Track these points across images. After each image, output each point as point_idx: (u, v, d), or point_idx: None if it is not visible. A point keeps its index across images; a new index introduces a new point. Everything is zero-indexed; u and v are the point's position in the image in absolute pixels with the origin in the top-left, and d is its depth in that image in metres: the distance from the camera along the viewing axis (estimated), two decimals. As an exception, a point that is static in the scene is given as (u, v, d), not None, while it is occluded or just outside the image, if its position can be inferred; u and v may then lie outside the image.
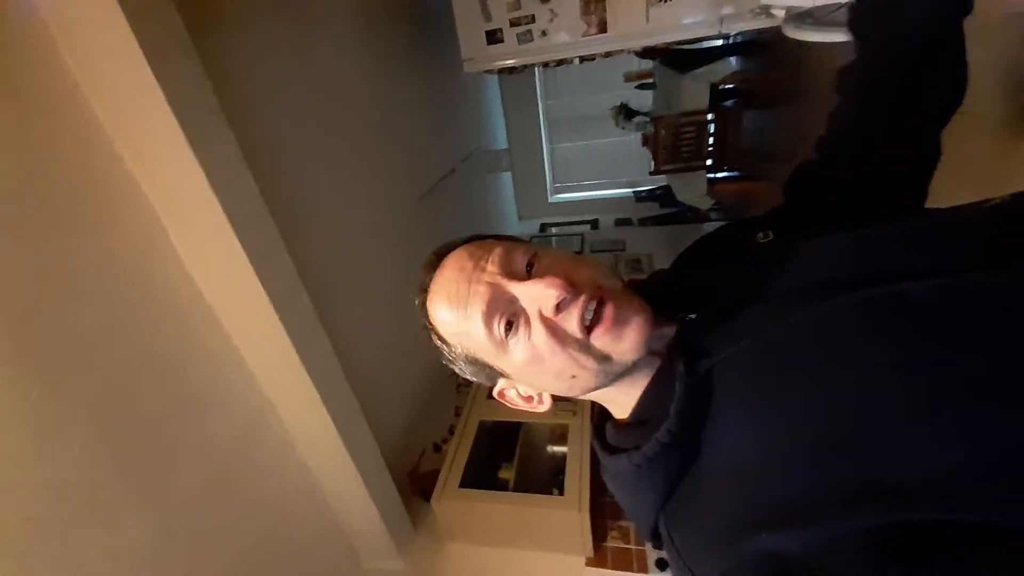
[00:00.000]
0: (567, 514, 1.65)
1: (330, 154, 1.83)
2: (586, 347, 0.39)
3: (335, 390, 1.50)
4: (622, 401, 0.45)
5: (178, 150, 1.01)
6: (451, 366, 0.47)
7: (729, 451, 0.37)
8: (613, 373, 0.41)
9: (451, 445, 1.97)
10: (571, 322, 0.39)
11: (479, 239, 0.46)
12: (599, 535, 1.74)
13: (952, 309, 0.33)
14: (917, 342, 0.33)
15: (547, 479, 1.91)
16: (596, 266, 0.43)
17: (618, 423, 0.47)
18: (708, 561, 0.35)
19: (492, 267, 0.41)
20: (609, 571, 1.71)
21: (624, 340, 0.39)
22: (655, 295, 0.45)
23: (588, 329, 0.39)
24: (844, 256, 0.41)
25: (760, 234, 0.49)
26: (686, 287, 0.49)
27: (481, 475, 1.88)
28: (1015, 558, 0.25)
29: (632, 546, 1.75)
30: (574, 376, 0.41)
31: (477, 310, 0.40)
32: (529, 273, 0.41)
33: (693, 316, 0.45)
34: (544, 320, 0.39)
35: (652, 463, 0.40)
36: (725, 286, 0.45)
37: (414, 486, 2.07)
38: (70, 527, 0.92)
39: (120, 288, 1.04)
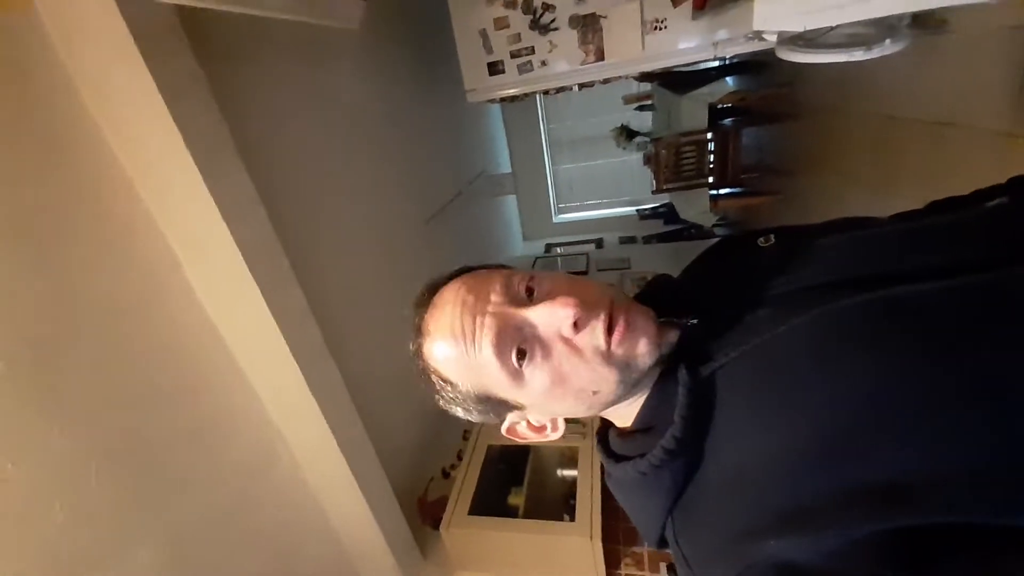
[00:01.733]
0: (578, 541, 1.61)
1: (339, 183, 1.88)
2: (608, 358, 0.39)
3: (343, 418, 1.50)
4: (626, 412, 0.45)
5: (192, 186, 1.05)
6: (453, 409, 0.46)
7: (734, 456, 0.36)
8: (632, 381, 0.41)
9: (459, 471, 1.95)
10: (596, 336, 0.38)
11: (469, 271, 0.46)
12: (612, 562, 1.69)
13: (953, 310, 0.33)
14: (919, 344, 0.33)
15: (558, 504, 1.88)
16: (600, 283, 0.43)
17: (622, 431, 0.46)
18: (716, 568, 0.35)
19: (496, 297, 0.40)
20: (624, 601, 1.65)
21: (639, 344, 0.39)
22: (657, 300, 0.46)
23: (608, 341, 0.39)
24: (845, 259, 0.41)
25: (761, 239, 0.49)
26: (688, 292, 0.50)
27: (490, 501, 1.85)
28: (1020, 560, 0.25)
29: (647, 573, 1.70)
30: (596, 392, 0.40)
31: (488, 343, 0.39)
32: (530, 298, 0.41)
33: (695, 321, 0.45)
34: (564, 340, 0.39)
35: (658, 470, 0.39)
36: (727, 290, 0.46)
37: (423, 513, 2.04)
38: (81, 562, 0.92)
39: (134, 321, 1.07)
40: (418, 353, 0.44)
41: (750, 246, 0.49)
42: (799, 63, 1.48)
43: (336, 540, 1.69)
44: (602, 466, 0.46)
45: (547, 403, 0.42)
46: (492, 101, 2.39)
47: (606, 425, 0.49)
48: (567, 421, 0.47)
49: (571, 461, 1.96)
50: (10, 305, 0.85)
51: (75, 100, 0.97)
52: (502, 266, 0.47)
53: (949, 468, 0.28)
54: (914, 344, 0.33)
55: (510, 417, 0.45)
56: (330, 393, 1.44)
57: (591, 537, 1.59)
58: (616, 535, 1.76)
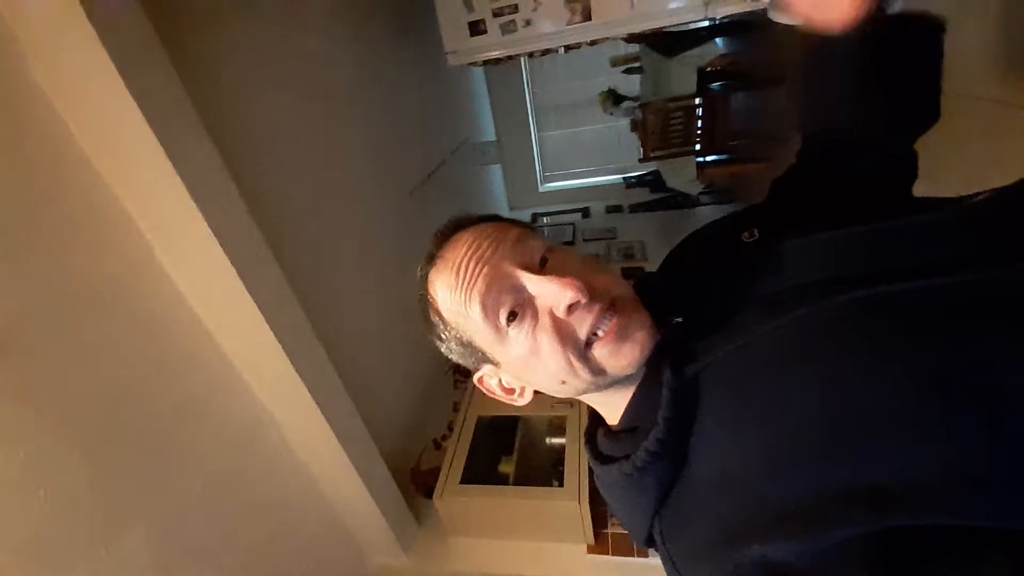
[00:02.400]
0: (567, 505, 1.68)
1: (316, 155, 1.80)
2: (585, 357, 0.39)
3: (330, 393, 1.50)
4: (611, 404, 0.45)
5: (157, 164, 0.99)
6: (437, 343, 0.46)
7: (719, 457, 0.36)
8: (605, 385, 0.41)
9: (451, 442, 1.99)
10: (582, 327, 0.38)
11: (498, 220, 0.45)
12: (599, 522, 1.77)
13: (940, 309, 0.33)
14: (905, 344, 0.32)
15: (547, 471, 1.94)
16: (611, 274, 0.42)
17: (608, 430, 0.47)
18: (702, 569, 0.35)
19: (506, 251, 0.40)
20: (610, 557, 1.74)
21: (623, 356, 0.39)
22: (641, 299, 0.44)
23: (589, 341, 0.39)
24: (830, 258, 0.40)
25: (745, 233, 0.48)
26: (672, 290, 0.49)
27: (481, 470, 1.90)
28: (1009, 563, 0.25)
29: (632, 532, 1.79)
30: (564, 382, 0.41)
31: (479, 292, 0.39)
32: (542, 268, 0.41)
33: (679, 320, 0.44)
34: (553, 318, 0.39)
35: (642, 472, 0.39)
36: (711, 288, 0.45)
37: (416, 483, 2.09)
38: (70, 548, 0.92)
39: (109, 305, 1.03)
40: (423, 280, 0.45)
41: (733, 240, 0.48)
42: (792, 26, 1.44)
43: (331, 512, 1.73)
44: (590, 466, 0.47)
45: (521, 370, 0.43)
46: (474, 64, 2.28)
47: (595, 423, 0.49)
48: (544, 396, 0.47)
49: (559, 430, 2.01)
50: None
51: (29, 79, 0.90)
52: (531, 227, 0.46)
53: (936, 469, 0.28)
54: (900, 344, 0.32)
55: (484, 368, 0.46)
56: (314, 367, 1.43)
57: (579, 501, 1.66)
58: (602, 498, 1.83)
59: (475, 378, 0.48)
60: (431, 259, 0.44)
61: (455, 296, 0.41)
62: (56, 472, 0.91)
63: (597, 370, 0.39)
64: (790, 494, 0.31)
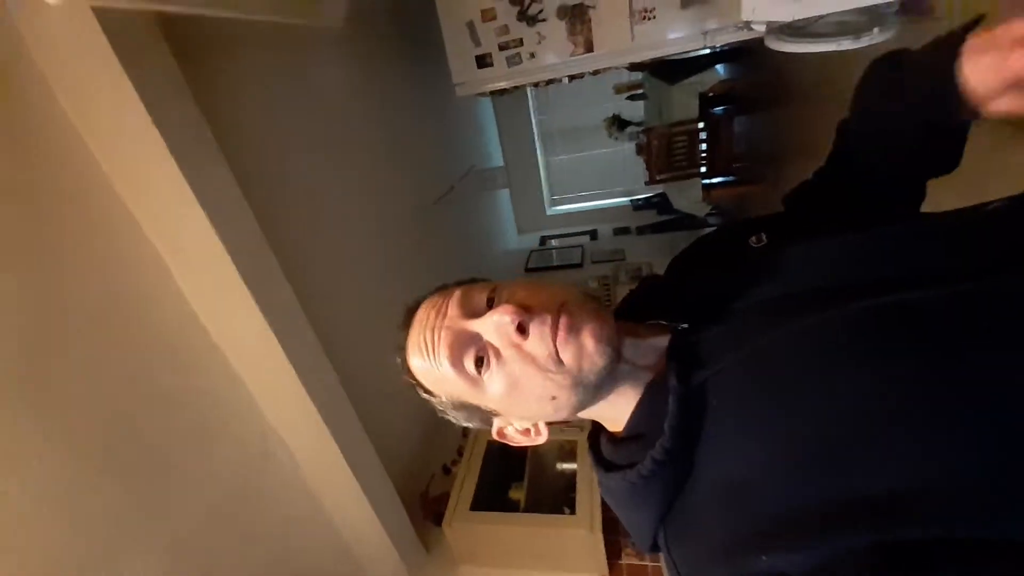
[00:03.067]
0: (579, 533, 1.63)
1: (328, 181, 1.86)
2: (558, 363, 0.39)
3: (340, 417, 1.51)
4: (615, 416, 0.45)
5: (176, 189, 1.04)
6: (445, 415, 0.48)
7: (725, 466, 0.36)
8: (590, 385, 0.40)
9: (460, 467, 1.97)
10: (541, 343, 0.39)
11: (443, 289, 0.47)
12: (613, 553, 1.72)
13: (949, 318, 0.33)
14: (914, 353, 0.32)
15: (558, 497, 1.89)
16: (556, 286, 0.43)
17: (612, 437, 0.46)
18: None
19: (452, 311, 0.42)
20: (625, 589, 1.68)
21: (584, 347, 0.39)
22: (647, 303, 0.45)
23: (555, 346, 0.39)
24: (838, 264, 0.40)
25: (753, 237, 0.48)
26: (679, 295, 0.49)
27: (491, 496, 1.87)
28: (1010, 572, 0.25)
29: (648, 562, 1.73)
30: (554, 397, 0.41)
31: (444, 355, 0.41)
32: (490, 308, 0.42)
33: (685, 325, 0.44)
34: (515, 347, 0.40)
35: (648, 480, 0.39)
36: (718, 293, 0.45)
37: (426, 510, 2.05)
38: (80, 571, 0.92)
39: (122, 325, 1.06)
40: (403, 366, 0.47)
41: (741, 244, 0.48)
42: (789, 52, 1.48)
43: (339, 537, 1.70)
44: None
45: (512, 407, 0.44)
46: (482, 94, 2.36)
47: (597, 429, 0.49)
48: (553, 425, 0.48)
49: (570, 455, 1.98)
50: (-2, 318, 0.85)
51: (55, 106, 0.95)
52: (477, 280, 0.48)
53: (939, 480, 0.28)
54: (909, 353, 0.32)
55: (496, 422, 0.47)
56: (325, 392, 1.44)
57: (592, 529, 1.61)
58: (617, 526, 1.78)
59: (494, 433, 0.48)
60: (400, 348, 0.46)
61: (429, 369, 0.43)
62: (68, 495, 0.92)
63: (574, 370, 0.39)
64: (795, 503, 0.31)
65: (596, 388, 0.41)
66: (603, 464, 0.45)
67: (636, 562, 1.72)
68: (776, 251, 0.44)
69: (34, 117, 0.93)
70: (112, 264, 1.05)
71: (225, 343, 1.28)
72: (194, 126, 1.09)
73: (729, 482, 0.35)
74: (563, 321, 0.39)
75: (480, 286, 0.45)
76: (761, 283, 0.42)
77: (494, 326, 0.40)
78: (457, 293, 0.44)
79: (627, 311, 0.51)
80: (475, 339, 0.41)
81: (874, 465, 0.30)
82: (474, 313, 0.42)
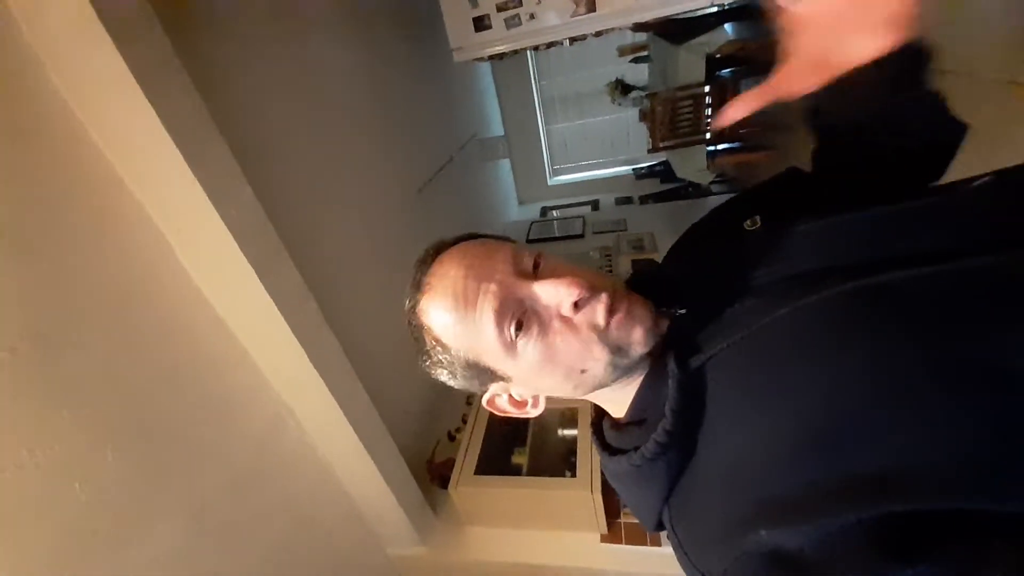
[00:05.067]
0: (580, 494, 1.70)
1: (327, 155, 1.83)
2: (604, 337, 0.40)
3: (347, 388, 1.54)
4: (618, 399, 0.46)
5: (175, 168, 1.03)
6: (437, 371, 0.45)
7: (726, 446, 0.37)
8: (622, 367, 0.41)
9: (464, 434, 2.03)
10: (597, 314, 0.39)
11: (477, 237, 0.46)
12: (612, 512, 1.79)
13: (941, 296, 0.33)
14: (906, 331, 0.33)
15: (559, 462, 1.96)
16: (599, 272, 0.44)
17: (615, 422, 0.47)
18: (711, 556, 0.35)
19: (504, 266, 0.41)
20: (623, 546, 1.76)
21: (635, 332, 0.40)
22: (645, 290, 0.45)
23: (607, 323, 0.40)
24: (830, 245, 0.40)
25: (748, 221, 0.48)
26: (675, 281, 0.49)
27: (495, 461, 1.93)
28: (1016, 546, 0.25)
29: (645, 521, 1.80)
30: (584, 371, 0.41)
31: (490, 309, 0.39)
32: (535, 273, 0.41)
33: (683, 311, 0.45)
34: (561, 319, 0.40)
35: (651, 463, 0.40)
36: (714, 278, 0.45)
37: (432, 475, 2.13)
38: (107, 540, 0.97)
39: (133, 307, 1.08)
40: (413, 310, 0.44)
41: (736, 228, 0.48)
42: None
43: (350, 504, 1.78)
44: None
45: (535, 379, 0.43)
46: (480, 60, 2.28)
47: (600, 415, 0.50)
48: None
49: (571, 421, 2.03)
50: (8, 299, 0.86)
51: (50, 89, 0.94)
52: (507, 238, 0.47)
53: (940, 454, 0.28)
54: (901, 331, 0.33)
55: (493, 388, 0.46)
56: (331, 364, 1.47)
57: (592, 490, 1.68)
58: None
59: (484, 401, 0.48)
60: (418, 287, 0.43)
61: (457, 320, 0.41)
62: (90, 467, 0.96)
63: (616, 348, 0.40)
64: (795, 480, 0.31)
65: (625, 371, 0.42)
66: (607, 448, 0.46)
67: (633, 520, 1.80)
68: (770, 234, 0.45)
69: (33, 105, 0.92)
70: (117, 245, 1.05)
71: (232, 320, 1.29)
72: (191, 104, 1.07)
73: (729, 462, 0.36)
74: (624, 307, 0.40)
75: (527, 248, 0.43)
76: (756, 267, 0.42)
77: (555, 293, 0.39)
78: (508, 248, 0.43)
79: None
80: (521, 301, 0.40)
81: (872, 442, 0.30)
82: (523, 274, 0.41)
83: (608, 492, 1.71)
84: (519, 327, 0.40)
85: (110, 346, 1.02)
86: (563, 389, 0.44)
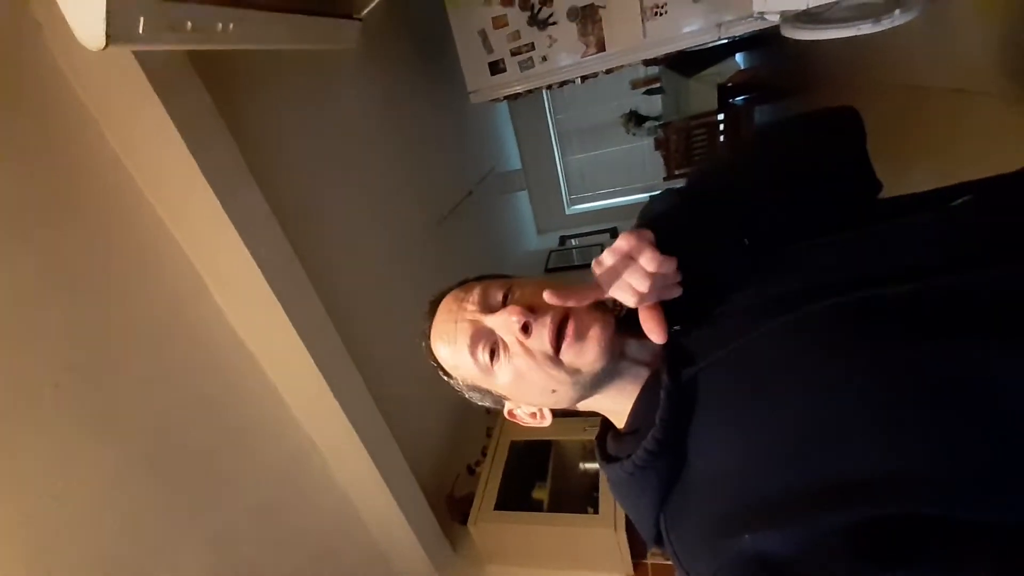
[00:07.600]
0: (603, 532, 1.64)
1: (351, 194, 1.93)
2: (557, 363, 0.43)
3: (368, 422, 1.56)
4: (618, 411, 0.48)
5: (211, 212, 1.11)
6: (462, 394, 0.53)
7: (715, 454, 0.39)
8: (588, 384, 0.45)
9: (484, 467, 2.00)
10: (541, 341, 0.43)
11: (465, 283, 0.52)
12: (637, 552, 1.71)
13: (918, 312, 0.35)
14: (884, 346, 0.34)
15: (581, 497, 1.90)
16: (567, 287, 0.46)
17: (616, 433, 0.50)
18: (701, 561, 0.37)
19: (472, 306, 0.47)
20: (652, 589, 1.68)
21: (587, 352, 0.43)
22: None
23: (557, 347, 0.43)
24: (813, 265, 0.43)
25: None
26: (673, 300, 0.51)
27: (515, 496, 1.90)
28: (993, 553, 0.26)
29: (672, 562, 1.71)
30: (554, 390, 0.45)
31: (463, 344, 0.46)
32: (504, 304, 0.46)
33: (678, 327, 0.47)
34: (520, 343, 0.44)
35: (643, 470, 0.42)
36: (707, 299, 0.47)
37: (451, 510, 2.10)
38: (136, 567, 1.00)
39: (168, 341, 1.14)
40: (427, 350, 0.52)
41: None
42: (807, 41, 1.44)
43: (369, 538, 1.76)
44: None
45: (519, 395, 0.49)
46: (496, 100, 2.39)
47: (605, 428, 0.52)
48: (565, 413, 0.52)
49: (592, 454, 1.98)
50: (54, 335, 0.93)
51: (104, 144, 1.04)
52: (499, 276, 0.53)
53: (918, 463, 0.29)
54: (879, 346, 0.34)
55: (508, 403, 0.52)
56: (353, 398, 1.50)
57: (615, 528, 1.62)
58: (641, 525, 1.78)
59: (505, 412, 0.54)
60: (424, 334, 0.52)
61: (449, 354, 0.48)
62: (122, 497, 1.00)
63: (572, 371, 0.44)
64: (778, 487, 0.33)
65: (594, 386, 0.46)
66: (606, 457, 0.48)
67: (661, 562, 1.72)
68: (758, 255, 0.47)
69: (84, 153, 1.02)
70: (155, 284, 1.13)
71: (261, 354, 1.35)
72: (227, 152, 1.17)
73: (719, 469, 0.38)
74: (569, 327, 0.43)
75: (499, 283, 0.49)
76: (744, 288, 0.45)
77: (503, 323, 0.45)
78: (478, 289, 0.49)
79: (631, 313, 0.53)
80: (490, 333, 0.46)
81: (854, 450, 0.31)
82: (491, 308, 0.47)
83: (632, 530, 1.64)
84: (492, 354, 0.45)
85: (146, 380, 1.08)
86: (546, 402, 0.49)
